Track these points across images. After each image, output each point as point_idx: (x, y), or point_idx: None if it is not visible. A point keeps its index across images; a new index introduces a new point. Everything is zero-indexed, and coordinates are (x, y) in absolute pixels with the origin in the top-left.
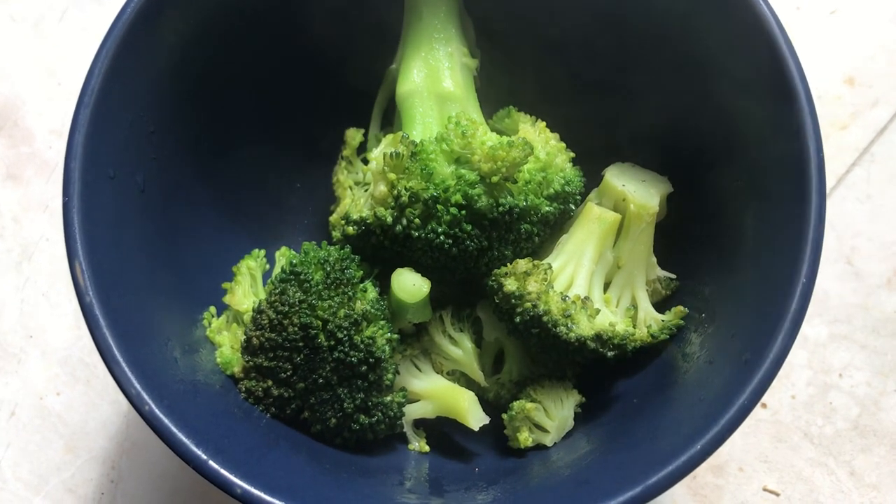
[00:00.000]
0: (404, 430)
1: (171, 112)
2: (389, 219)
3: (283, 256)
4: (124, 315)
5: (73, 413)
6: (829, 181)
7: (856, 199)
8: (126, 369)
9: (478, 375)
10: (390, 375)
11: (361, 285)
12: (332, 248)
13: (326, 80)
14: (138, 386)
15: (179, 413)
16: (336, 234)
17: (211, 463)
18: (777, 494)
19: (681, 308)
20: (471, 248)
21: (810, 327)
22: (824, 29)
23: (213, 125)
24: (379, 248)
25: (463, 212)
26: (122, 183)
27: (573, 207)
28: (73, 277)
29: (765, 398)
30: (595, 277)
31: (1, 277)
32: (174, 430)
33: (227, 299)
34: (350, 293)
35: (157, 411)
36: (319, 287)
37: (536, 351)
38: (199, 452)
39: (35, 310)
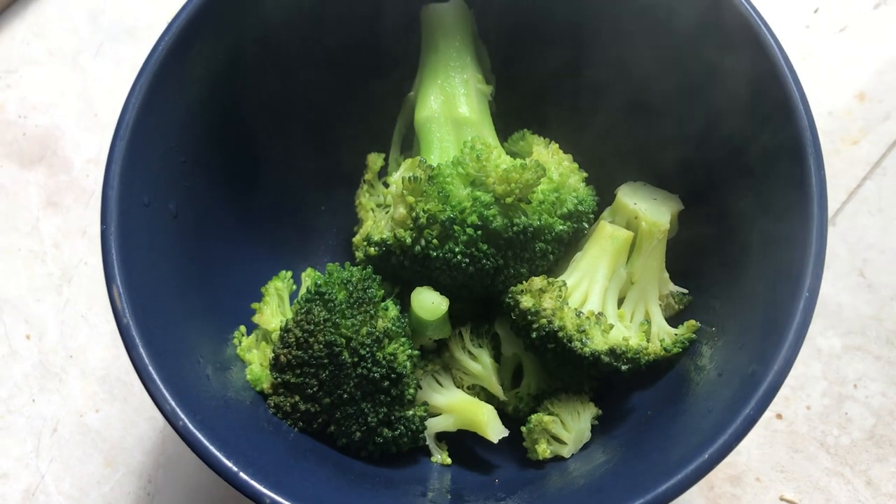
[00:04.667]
0: (427, 443)
1: (201, 142)
2: (409, 240)
3: (308, 277)
4: (159, 335)
5: (111, 429)
6: (841, 195)
7: (867, 212)
8: (161, 387)
9: (497, 389)
10: (412, 390)
11: (383, 304)
12: (355, 268)
13: (348, 108)
14: (173, 403)
15: (212, 428)
16: (359, 254)
17: (241, 475)
18: None
19: (693, 322)
20: (487, 266)
21: (824, 339)
22: (834, 46)
23: (241, 154)
24: (399, 268)
25: (479, 232)
26: (156, 210)
27: (586, 226)
28: (111, 300)
29: (780, 409)
30: (609, 293)
31: (43, 300)
32: (207, 444)
33: (256, 319)
34: (372, 311)
35: (190, 426)
36: (343, 306)
37: (553, 365)
38: (230, 465)
39: (75, 331)
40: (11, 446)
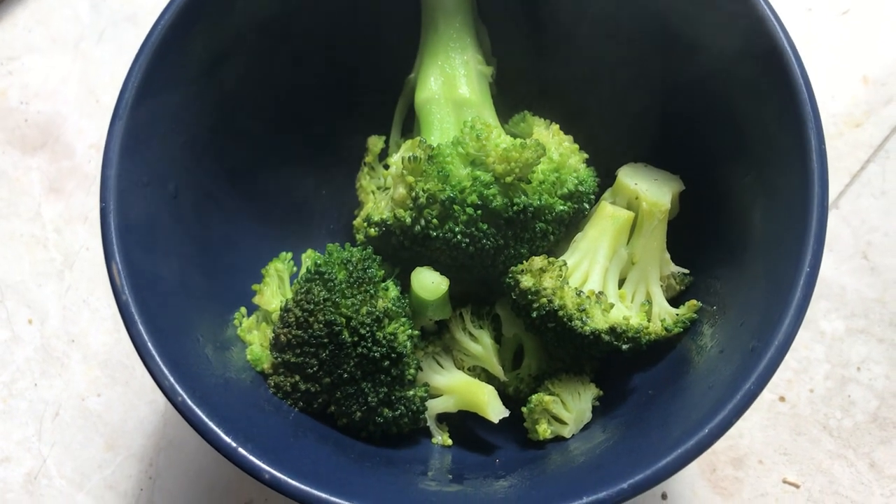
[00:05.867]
0: (427, 424)
1: (200, 123)
2: (409, 220)
3: (308, 258)
4: (158, 313)
5: (112, 413)
6: (844, 178)
7: (871, 195)
8: (160, 363)
9: (497, 370)
10: (412, 371)
11: (383, 284)
12: (355, 248)
13: (349, 90)
14: (172, 379)
15: (211, 404)
16: (360, 236)
17: (240, 450)
18: (797, 486)
19: (694, 302)
20: (487, 246)
21: (827, 322)
22: (837, 29)
23: (241, 136)
24: (399, 249)
25: (479, 212)
26: (155, 190)
27: (587, 207)
28: (111, 277)
29: (783, 392)
30: (609, 273)
31: (44, 285)
32: (205, 419)
33: (256, 300)
34: (372, 291)
35: (189, 402)
36: (343, 286)
37: (553, 345)
38: (229, 440)
39: (76, 316)
40: (13, 430)
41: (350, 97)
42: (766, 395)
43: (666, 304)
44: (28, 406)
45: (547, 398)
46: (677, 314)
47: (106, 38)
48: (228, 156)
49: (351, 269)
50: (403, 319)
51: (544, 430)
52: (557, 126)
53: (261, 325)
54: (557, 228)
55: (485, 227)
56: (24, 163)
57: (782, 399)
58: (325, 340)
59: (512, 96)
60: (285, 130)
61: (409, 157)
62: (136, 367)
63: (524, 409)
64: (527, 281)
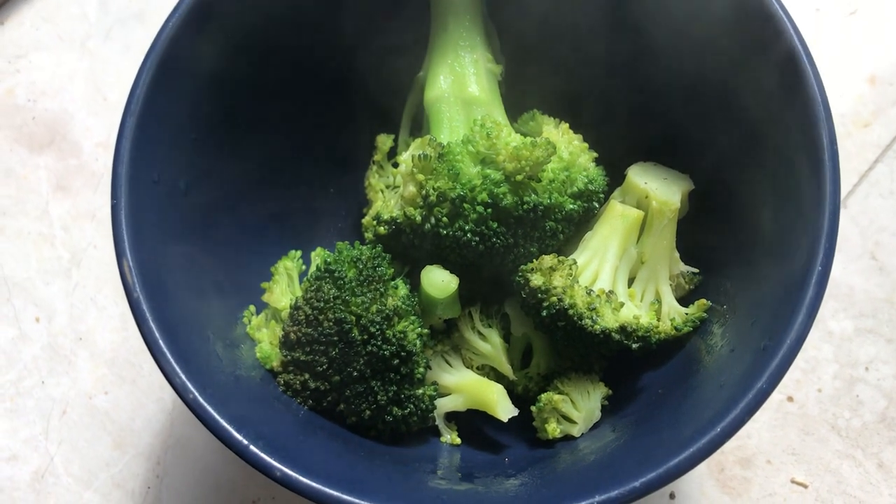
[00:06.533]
0: (436, 423)
1: (211, 121)
2: (419, 218)
3: (318, 256)
4: (169, 310)
5: (120, 411)
6: (852, 178)
7: (879, 195)
8: (171, 360)
9: (506, 369)
10: (422, 369)
11: (393, 282)
12: (365, 246)
13: (358, 88)
14: (183, 376)
15: (222, 402)
16: (369, 235)
17: (252, 448)
18: (805, 486)
19: (704, 301)
20: (497, 245)
21: (835, 322)
22: (844, 29)
23: (251, 134)
24: (409, 247)
25: (489, 210)
26: (166, 187)
27: (597, 205)
28: (122, 274)
29: (791, 392)
30: (619, 272)
31: (52, 283)
32: (217, 416)
33: (265, 298)
34: (382, 289)
35: (200, 399)
36: (352, 284)
37: (563, 344)
38: (240, 438)
39: (84, 314)
40: (21, 428)
41: (359, 95)
42: (775, 395)
43: (675, 303)
44: (35, 404)
45: (556, 397)
46: (687, 313)
47: (113, 36)
48: (238, 153)
49: (361, 267)
50: (413, 318)
51: (553, 428)
52: (567, 125)
53: (270, 323)
54: (567, 227)
55: (495, 225)
56: (31, 161)
57: (790, 399)
58: (335, 338)
59: (520, 95)
60: (295, 128)
61: (420, 156)
62: (143, 366)
63: (533, 408)
64: (536, 279)
